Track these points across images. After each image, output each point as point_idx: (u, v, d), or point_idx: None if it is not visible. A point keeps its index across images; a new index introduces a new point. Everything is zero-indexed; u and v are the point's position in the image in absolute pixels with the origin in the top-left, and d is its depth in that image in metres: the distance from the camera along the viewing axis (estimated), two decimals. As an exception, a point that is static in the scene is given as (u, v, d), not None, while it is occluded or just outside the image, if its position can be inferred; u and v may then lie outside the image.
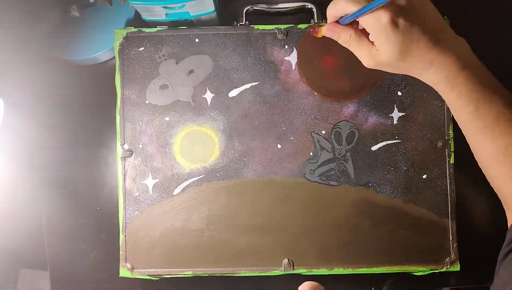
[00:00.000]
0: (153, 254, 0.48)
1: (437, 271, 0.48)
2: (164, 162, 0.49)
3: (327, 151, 0.49)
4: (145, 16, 0.49)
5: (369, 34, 0.36)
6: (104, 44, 0.52)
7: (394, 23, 0.34)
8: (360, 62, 0.48)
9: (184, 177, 0.49)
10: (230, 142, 0.49)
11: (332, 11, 0.38)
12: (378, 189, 0.49)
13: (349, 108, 0.49)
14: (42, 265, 0.53)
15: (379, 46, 0.36)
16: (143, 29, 0.49)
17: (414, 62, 0.36)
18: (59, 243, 0.53)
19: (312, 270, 0.48)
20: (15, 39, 0.54)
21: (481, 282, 0.54)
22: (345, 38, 0.38)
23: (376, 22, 0.35)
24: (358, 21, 0.37)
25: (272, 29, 0.49)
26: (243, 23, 0.50)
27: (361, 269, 0.48)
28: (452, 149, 0.49)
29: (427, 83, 0.38)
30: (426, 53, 0.35)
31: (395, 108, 0.49)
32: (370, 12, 0.35)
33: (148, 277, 0.49)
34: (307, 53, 0.49)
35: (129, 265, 0.48)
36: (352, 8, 0.35)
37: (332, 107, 0.49)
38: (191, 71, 0.49)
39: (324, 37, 0.49)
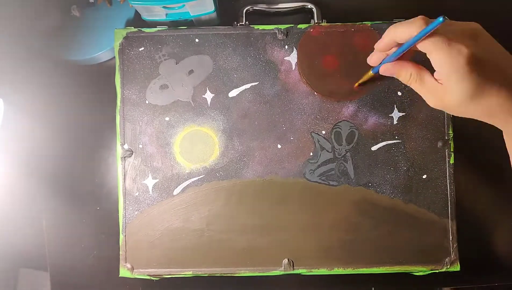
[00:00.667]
0: (153, 254, 0.48)
1: (437, 271, 0.48)
2: (164, 162, 0.49)
3: (327, 151, 0.49)
4: (145, 16, 0.49)
5: (434, 71, 0.34)
6: (104, 44, 0.52)
7: (472, 64, 0.32)
8: (359, 62, 0.48)
9: (184, 177, 0.49)
10: (230, 142, 0.49)
11: (391, 36, 0.35)
12: (378, 189, 0.49)
13: (349, 108, 0.49)
14: (42, 265, 0.53)
15: (449, 86, 0.33)
16: (143, 29, 0.49)
17: (490, 108, 0.33)
18: (59, 243, 0.53)
19: (312, 270, 0.48)
20: (15, 39, 0.54)
21: (481, 282, 0.54)
22: (405, 76, 0.36)
23: (450, 60, 0.32)
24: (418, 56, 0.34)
25: (272, 29, 0.49)
26: (243, 23, 0.50)
27: (361, 269, 0.48)
28: (452, 149, 0.49)
29: (503, 129, 0.35)
30: (506, 102, 0.33)
31: (395, 108, 0.49)
32: (439, 47, 0.32)
33: (148, 277, 0.49)
34: (307, 53, 0.49)
35: (129, 265, 0.48)
36: (413, 31, 0.33)
37: (332, 107, 0.49)
38: (191, 71, 0.49)
39: (324, 36, 0.49)
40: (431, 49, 0.33)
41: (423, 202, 0.48)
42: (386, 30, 0.37)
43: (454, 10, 0.53)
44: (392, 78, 0.48)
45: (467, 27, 0.34)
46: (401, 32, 0.35)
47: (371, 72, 0.44)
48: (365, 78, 0.46)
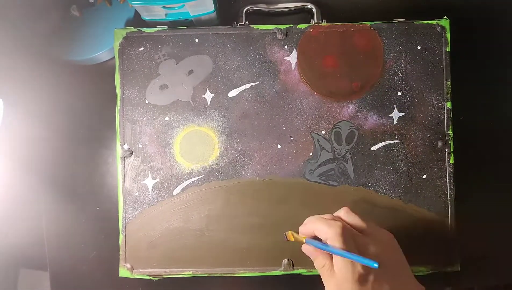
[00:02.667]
0: (153, 254, 0.48)
1: (437, 271, 0.48)
2: (164, 162, 0.49)
3: (327, 151, 0.49)
4: (145, 16, 0.49)
5: None
6: (104, 44, 0.52)
7: (362, 280, 0.35)
8: (359, 62, 0.48)
9: (184, 177, 0.49)
10: (230, 142, 0.49)
11: (310, 229, 0.39)
12: (378, 189, 0.49)
13: (348, 108, 0.49)
14: (42, 265, 0.53)
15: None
16: (143, 29, 0.49)
17: None
18: (59, 243, 0.53)
19: (312, 270, 0.48)
20: (15, 39, 0.54)
21: (481, 282, 0.54)
22: (319, 263, 0.38)
23: (346, 271, 0.36)
24: None
25: (272, 29, 0.49)
26: (243, 23, 0.50)
27: (361, 269, 0.48)
28: (452, 149, 0.49)
29: None
30: None
31: (395, 108, 0.49)
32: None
33: (148, 277, 0.49)
34: (307, 53, 0.49)
35: (129, 265, 0.48)
36: (336, 244, 0.36)
37: (332, 107, 0.49)
38: (191, 71, 0.49)
39: (324, 36, 0.49)
40: (339, 265, 0.36)
41: (423, 202, 0.48)
42: (308, 219, 0.40)
43: (453, 9, 0.52)
44: (392, 78, 0.49)
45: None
46: (319, 231, 0.38)
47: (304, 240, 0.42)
48: (297, 239, 0.43)
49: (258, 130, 0.49)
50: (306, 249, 0.40)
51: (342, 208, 0.40)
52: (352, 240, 0.37)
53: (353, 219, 0.39)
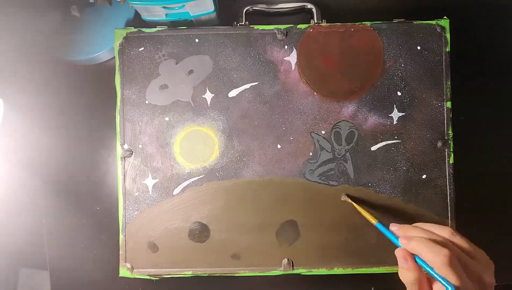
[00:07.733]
0: (153, 254, 0.48)
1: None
2: (164, 162, 0.49)
3: (327, 151, 0.49)
4: (145, 16, 0.49)
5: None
6: (104, 44, 0.52)
7: None
8: (359, 62, 0.48)
9: (184, 177, 0.49)
10: (230, 142, 0.49)
11: (413, 250, 0.36)
12: (377, 189, 0.49)
13: (348, 108, 0.49)
14: (42, 265, 0.53)
15: None
16: (143, 29, 0.49)
17: None
18: (59, 243, 0.53)
19: (312, 270, 0.48)
20: (15, 39, 0.54)
21: (481, 282, 0.54)
22: (408, 277, 0.36)
23: None
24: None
25: (272, 29, 0.49)
26: (243, 23, 0.50)
27: (361, 269, 0.48)
28: (451, 149, 0.49)
29: None
30: None
31: (395, 108, 0.49)
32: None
33: (148, 277, 0.49)
34: (307, 53, 0.49)
35: (129, 265, 0.48)
36: (445, 274, 0.34)
37: (331, 107, 0.49)
38: (191, 71, 0.49)
39: (324, 36, 0.49)
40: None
41: (422, 202, 0.48)
42: (415, 238, 0.37)
43: (453, 9, 0.52)
44: (392, 77, 0.49)
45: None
46: (424, 257, 0.36)
47: (376, 223, 0.42)
48: (364, 213, 0.44)
49: (258, 130, 0.49)
50: (401, 255, 0.37)
51: (445, 228, 0.37)
52: (461, 268, 0.34)
53: (461, 242, 0.36)
